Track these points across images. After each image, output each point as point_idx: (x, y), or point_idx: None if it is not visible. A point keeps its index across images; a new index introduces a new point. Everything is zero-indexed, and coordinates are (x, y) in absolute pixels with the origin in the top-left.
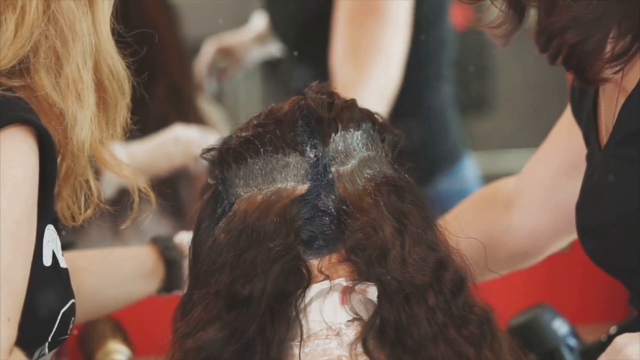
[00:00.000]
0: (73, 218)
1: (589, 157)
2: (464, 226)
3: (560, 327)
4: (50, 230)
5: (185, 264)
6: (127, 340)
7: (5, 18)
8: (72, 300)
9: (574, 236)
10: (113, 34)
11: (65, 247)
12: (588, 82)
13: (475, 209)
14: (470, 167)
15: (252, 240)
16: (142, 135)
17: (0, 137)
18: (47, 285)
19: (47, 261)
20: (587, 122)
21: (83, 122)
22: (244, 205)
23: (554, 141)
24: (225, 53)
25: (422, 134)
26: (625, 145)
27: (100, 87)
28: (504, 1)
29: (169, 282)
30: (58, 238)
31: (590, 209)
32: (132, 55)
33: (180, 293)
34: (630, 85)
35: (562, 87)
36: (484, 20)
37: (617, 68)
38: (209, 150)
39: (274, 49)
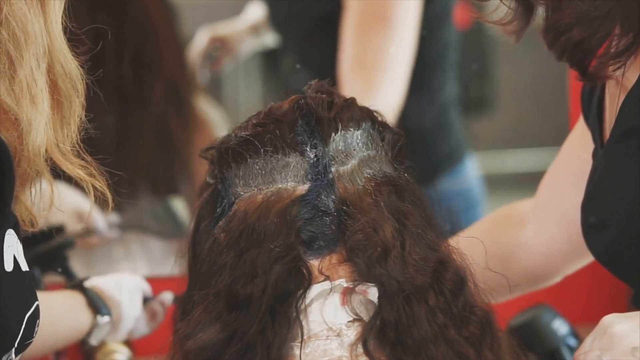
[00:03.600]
0: (32, 223)
1: (593, 155)
2: (479, 241)
3: (560, 327)
4: (10, 235)
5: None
6: (127, 340)
7: None
8: (36, 303)
9: (591, 258)
10: (66, 33)
11: (66, 246)
12: (590, 78)
13: (491, 225)
14: (472, 167)
15: (253, 241)
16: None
17: None
18: (10, 291)
19: (8, 266)
20: (593, 120)
21: (38, 127)
22: (244, 205)
23: (566, 154)
24: (219, 42)
25: (425, 134)
26: (624, 141)
27: (54, 88)
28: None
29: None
30: (19, 242)
31: (593, 206)
32: (84, 53)
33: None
34: (630, 82)
35: (562, 87)
36: (493, 17)
37: (618, 65)
38: (208, 149)
39: (269, 39)
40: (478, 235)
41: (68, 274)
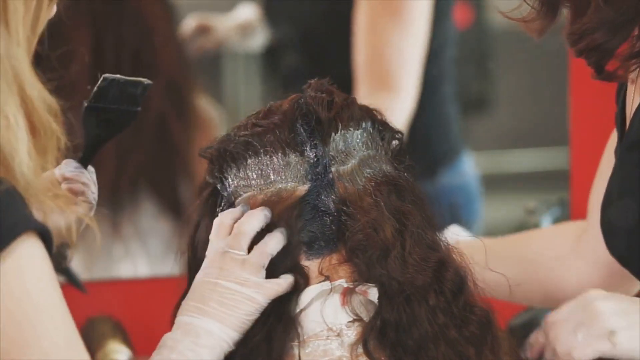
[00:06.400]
0: None
1: (615, 153)
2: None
3: None
4: None
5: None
6: (127, 340)
7: None
8: None
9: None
10: (38, 56)
11: (66, 246)
12: (605, 77)
13: (552, 230)
14: (469, 162)
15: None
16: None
17: (23, 242)
18: None
19: None
20: (617, 118)
21: (22, 153)
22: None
23: (602, 169)
24: (204, 31)
25: (424, 130)
26: (634, 151)
27: (27, 114)
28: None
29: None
30: None
31: (611, 208)
32: (57, 78)
33: None
34: None
35: (562, 87)
36: (516, 14)
37: (635, 67)
38: (207, 148)
39: (258, 40)
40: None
41: (69, 273)
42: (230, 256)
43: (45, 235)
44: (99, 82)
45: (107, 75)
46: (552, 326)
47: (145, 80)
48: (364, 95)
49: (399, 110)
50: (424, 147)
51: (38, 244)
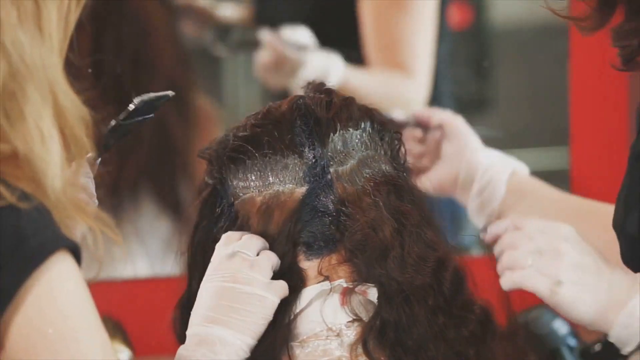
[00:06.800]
0: None
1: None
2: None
3: (560, 327)
4: None
5: None
6: (127, 340)
7: None
8: None
9: None
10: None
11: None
12: (629, 68)
13: None
14: None
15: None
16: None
17: (55, 261)
18: None
19: None
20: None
21: (55, 168)
22: (243, 207)
23: None
24: (279, 61)
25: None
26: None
27: (60, 127)
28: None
29: None
30: None
31: (617, 209)
32: (88, 89)
33: None
34: None
35: (562, 87)
36: (566, 12)
37: None
38: (206, 149)
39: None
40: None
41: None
42: (240, 256)
43: (75, 251)
44: (133, 104)
45: (139, 98)
46: (515, 233)
47: (170, 93)
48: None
49: (415, 93)
50: None
51: (69, 260)
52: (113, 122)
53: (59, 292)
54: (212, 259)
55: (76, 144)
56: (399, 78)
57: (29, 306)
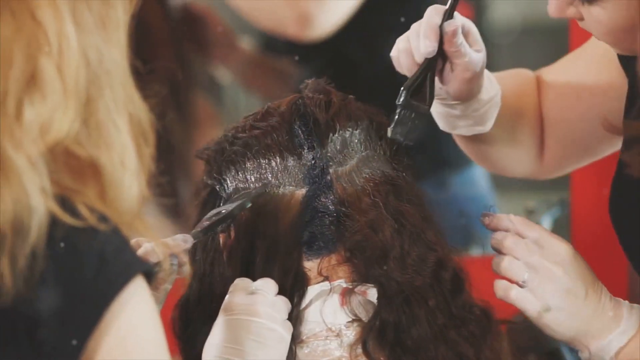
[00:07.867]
0: None
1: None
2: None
3: None
4: None
5: None
6: None
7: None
8: None
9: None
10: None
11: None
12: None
13: None
14: (480, 169)
15: (253, 244)
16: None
17: (134, 285)
18: None
19: None
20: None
21: (129, 178)
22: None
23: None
24: None
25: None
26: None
27: (134, 139)
28: None
29: None
30: None
31: (611, 197)
32: (154, 95)
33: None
34: None
35: None
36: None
37: None
38: (204, 149)
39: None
40: None
41: None
42: (262, 295)
43: (148, 274)
44: (210, 220)
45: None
46: (518, 241)
47: (247, 203)
48: None
49: None
50: (432, 150)
51: (144, 284)
52: (193, 240)
53: (138, 320)
54: (229, 292)
55: (142, 157)
56: None
57: (112, 335)
